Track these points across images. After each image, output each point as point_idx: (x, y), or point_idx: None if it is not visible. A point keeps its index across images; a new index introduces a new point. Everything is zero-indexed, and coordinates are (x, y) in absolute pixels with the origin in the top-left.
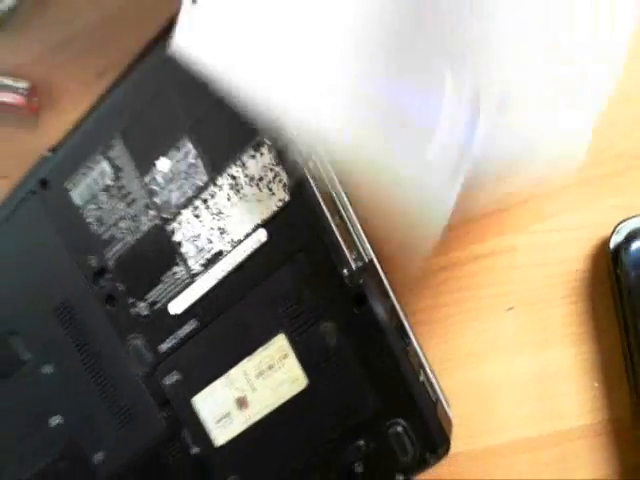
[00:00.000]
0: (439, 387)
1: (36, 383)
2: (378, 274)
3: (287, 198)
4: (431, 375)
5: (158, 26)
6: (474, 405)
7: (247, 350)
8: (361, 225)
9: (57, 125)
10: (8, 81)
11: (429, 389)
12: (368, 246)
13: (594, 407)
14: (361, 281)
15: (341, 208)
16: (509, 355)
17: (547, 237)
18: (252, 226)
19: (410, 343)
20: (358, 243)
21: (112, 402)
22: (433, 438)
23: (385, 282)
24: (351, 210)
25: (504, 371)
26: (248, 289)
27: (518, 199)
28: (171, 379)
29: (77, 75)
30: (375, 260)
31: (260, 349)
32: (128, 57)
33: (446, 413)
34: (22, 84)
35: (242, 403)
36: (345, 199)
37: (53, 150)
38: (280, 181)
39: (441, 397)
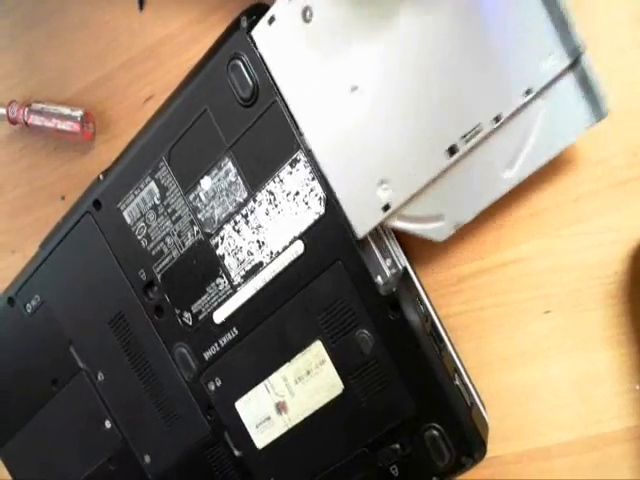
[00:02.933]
0: (475, 391)
1: (91, 389)
2: (412, 281)
3: (322, 211)
4: (466, 379)
5: (199, 53)
6: (511, 408)
7: (286, 356)
8: (394, 233)
9: (110, 149)
10: (65, 110)
11: (464, 393)
12: (402, 253)
13: (634, 410)
14: (395, 288)
15: None
16: (546, 358)
17: (583, 239)
18: (290, 238)
19: (445, 347)
20: (392, 251)
21: (160, 407)
22: (469, 442)
23: (419, 288)
24: None
25: (541, 374)
26: (286, 298)
27: (552, 202)
28: (215, 384)
29: (127, 102)
30: (409, 267)
31: (298, 355)
32: (172, 84)
33: (482, 417)
34: (77, 112)
35: (281, 407)
36: None
37: (105, 173)
38: (316, 195)
39: (477, 401)
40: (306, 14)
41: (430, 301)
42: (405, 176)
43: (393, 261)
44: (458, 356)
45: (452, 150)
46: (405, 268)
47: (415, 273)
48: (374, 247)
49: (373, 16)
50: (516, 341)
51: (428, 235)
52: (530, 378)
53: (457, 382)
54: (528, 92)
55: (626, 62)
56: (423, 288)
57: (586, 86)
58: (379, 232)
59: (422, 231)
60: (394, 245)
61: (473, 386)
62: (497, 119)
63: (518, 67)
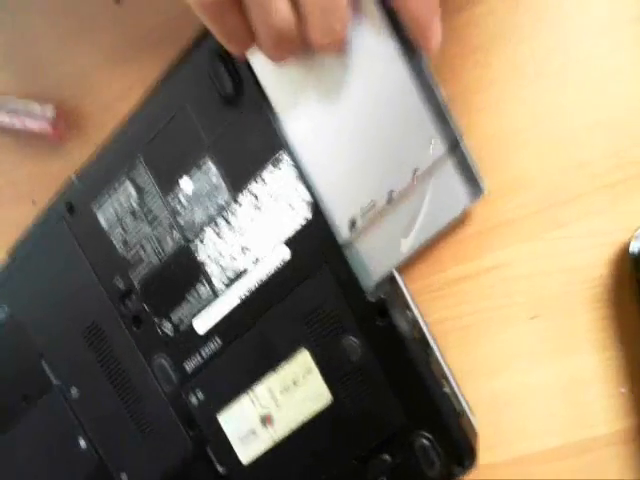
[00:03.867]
0: (463, 398)
1: (64, 406)
2: (399, 286)
3: (309, 215)
4: (455, 386)
5: (178, 49)
6: (499, 415)
7: (271, 366)
8: None
9: (83, 149)
10: (34, 106)
11: (453, 400)
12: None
13: (621, 413)
14: (383, 294)
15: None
16: (533, 364)
17: (567, 243)
18: (275, 244)
19: (432, 354)
20: (378, 257)
21: (138, 422)
22: (459, 450)
23: (406, 294)
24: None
25: (528, 380)
26: (271, 306)
27: (536, 207)
28: (196, 397)
29: (102, 97)
30: (395, 272)
31: (284, 365)
32: (149, 81)
33: (471, 424)
34: (48, 110)
35: (267, 420)
36: None
37: (78, 175)
38: (301, 198)
39: (466, 408)
40: None
41: (417, 306)
42: None
43: (378, 268)
44: (446, 362)
45: (353, 223)
46: (391, 273)
47: (401, 278)
48: (361, 252)
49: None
50: (501, 347)
51: None
52: (516, 384)
53: (446, 389)
54: (415, 172)
55: (611, 65)
56: (410, 293)
57: (465, 169)
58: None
59: None
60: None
61: (461, 393)
62: (390, 195)
63: (407, 150)
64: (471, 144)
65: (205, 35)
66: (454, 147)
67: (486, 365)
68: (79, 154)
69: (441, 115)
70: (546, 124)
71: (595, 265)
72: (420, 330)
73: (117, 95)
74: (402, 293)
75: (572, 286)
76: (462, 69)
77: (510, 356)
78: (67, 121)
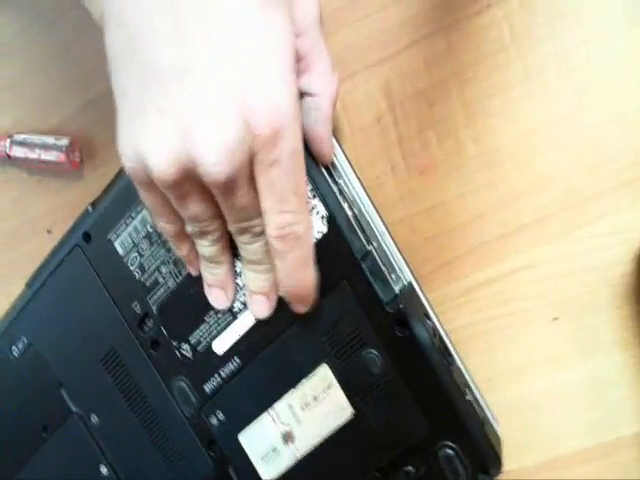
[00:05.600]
0: (486, 405)
1: (84, 433)
2: (417, 295)
3: (325, 230)
4: (477, 393)
5: None
6: (524, 419)
7: (291, 383)
8: (397, 247)
9: (98, 178)
10: (50, 139)
11: (477, 408)
12: (406, 268)
13: None
14: (402, 305)
15: (377, 232)
16: (557, 366)
17: (588, 243)
18: None
19: (454, 362)
20: (396, 266)
21: (159, 445)
22: (484, 458)
23: (425, 302)
24: (387, 233)
25: (552, 382)
26: (290, 322)
27: (557, 207)
28: (217, 418)
29: (115, 127)
30: (414, 281)
31: (304, 381)
32: None
33: (495, 431)
34: (63, 141)
35: (288, 437)
36: (380, 223)
37: (94, 204)
38: (317, 213)
39: (489, 415)
40: None
41: (436, 315)
42: None
43: (397, 276)
44: (467, 370)
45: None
46: (410, 283)
47: (420, 287)
48: (379, 263)
49: None
50: (525, 350)
51: None
52: (541, 387)
53: (469, 397)
54: None
55: (631, 63)
56: (429, 302)
57: None
58: (382, 247)
59: None
60: (398, 259)
61: (484, 400)
62: None
63: None
64: (492, 146)
65: None
66: None
67: (510, 370)
68: (95, 184)
69: None
70: (567, 123)
71: (617, 263)
72: (441, 339)
73: None
74: (421, 302)
75: (593, 286)
76: (483, 72)
77: (534, 360)
78: (82, 151)
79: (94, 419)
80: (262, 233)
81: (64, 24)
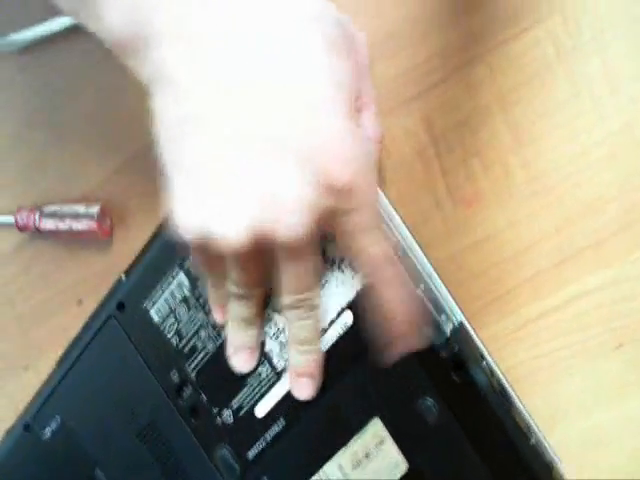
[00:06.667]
0: (549, 445)
1: None
2: (470, 335)
3: None
4: (540, 435)
5: None
6: (590, 457)
7: (340, 442)
8: (446, 287)
9: (129, 245)
10: (80, 208)
11: (542, 452)
12: (456, 308)
13: None
14: (456, 347)
15: (423, 272)
16: (623, 397)
17: None
18: (337, 310)
19: (514, 404)
20: (446, 307)
21: None
22: None
23: (478, 342)
24: (434, 272)
25: (620, 415)
26: (337, 377)
27: (613, 229)
28: None
29: (146, 192)
30: (465, 321)
31: (354, 438)
32: None
33: (560, 473)
34: (94, 209)
35: None
36: (426, 262)
37: (127, 272)
38: None
39: (554, 456)
40: None
41: (490, 354)
42: None
43: (447, 316)
44: (527, 411)
45: None
46: (461, 323)
47: (471, 326)
48: (430, 305)
49: None
50: (589, 383)
51: None
52: (608, 420)
53: (533, 441)
54: None
55: None
56: (482, 341)
57: None
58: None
59: None
60: (448, 300)
61: (547, 441)
62: None
63: None
64: (542, 170)
65: None
66: None
67: (574, 405)
68: (126, 252)
69: None
70: (620, 138)
71: None
72: (498, 380)
73: (161, 190)
74: (475, 343)
75: None
76: (529, 93)
77: (599, 392)
78: (113, 218)
79: None
80: (317, 307)
81: (90, 88)
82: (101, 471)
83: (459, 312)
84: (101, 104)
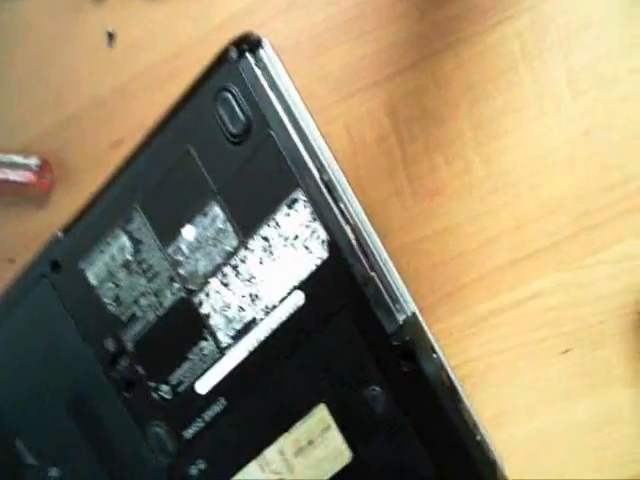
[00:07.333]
0: (492, 445)
1: None
2: (422, 327)
3: (326, 255)
4: (484, 432)
5: (175, 93)
6: (531, 458)
7: (283, 427)
8: (400, 275)
9: (69, 202)
10: (18, 158)
11: (486, 450)
12: (409, 298)
13: None
14: (408, 337)
15: (379, 259)
16: (567, 402)
17: (601, 270)
18: (288, 289)
19: (461, 400)
20: (399, 295)
21: None
22: None
23: (430, 335)
24: (389, 260)
25: (563, 419)
26: (283, 359)
27: (569, 232)
28: (197, 468)
29: (90, 148)
30: (418, 312)
31: (298, 424)
32: (141, 129)
33: (503, 474)
34: (33, 160)
35: None
36: (383, 250)
37: (65, 230)
38: (318, 238)
39: (497, 456)
40: None
41: (441, 349)
42: None
43: (401, 306)
44: (474, 407)
45: None
46: (414, 313)
47: (423, 318)
48: (384, 292)
49: None
50: (535, 385)
51: None
52: (551, 424)
53: (479, 438)
54: None
55: None
56: (433, 335)
57: None
58: (385, 276)
59: None
60: (401, 288)
61: (490, 440)
62: None
63: None
64: (503, 168)
65: (210, 71)
66: None
67: (519, 406)
68: (65, 209)
69: None
70: (579, 144)
71: (629, 291)
72: (448, 374)
73: (108, 144)
74: (427, 335)
75: (605, 315)
76: (494, 90)
77: (544, 395)
78: (53, 173)
79: (54, 473)
80: None
81: (38, 36)
82: (22, 443)
83: (412, 303)
84: (48, 54)
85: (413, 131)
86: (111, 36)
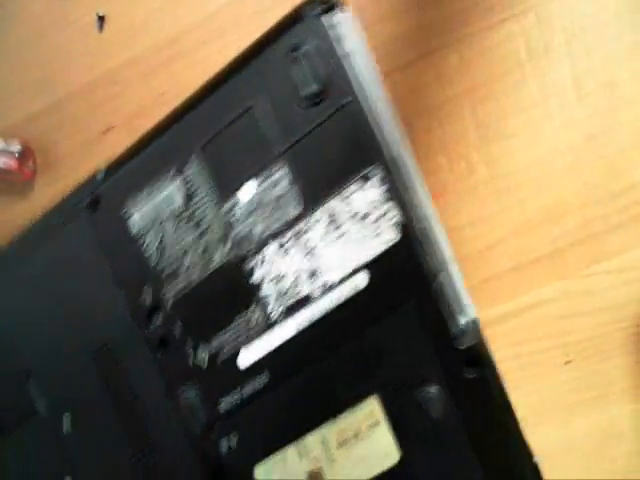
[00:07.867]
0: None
1: (51, 437)
2: (483, 335)
3: (397, 238)
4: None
5: (169, 79)
6: None
7: (330, 413)
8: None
9: (54, 190)
10: None
11: (538, 473)
12: (471, 302)
13: None
14: (475, 341)
15: (447, 255)
16: (568, 415)
17: (605, 279)
18: (351, 269)
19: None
20: (463, 298)
21: (149, 469)
22: None
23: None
24: (455, 263)
25: (563, 434)
26: (336, 343)
27: (573, 239)
28: (229, 443)
29: (78, 135)
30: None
31: (345, 413)
32: (137, 113)
33: None
34: (14, 146)
35: (316, 478)
36: (451, 252)
37: (109, 168)
38: (391, 219)
39: None
40: None
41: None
42: None
43: (465, 309)
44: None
45: None
46: (477, 319)
47: None
48: (459, 289)
49: None
50: (535, 398)
51: None
52: (551, 438)
53: (536, 459)
54: None
55: None
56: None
57: None
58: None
59: None
60: (465, 290)
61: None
62: None
63: None
64: (506, 170)
65: (282, 29)
66: None
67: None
68: (49, 198)
69: None
70: (585, 147)
71: (634, 301)
72: (503, 386)
73: (99, 132)
74: (487, 342)
75: (608, 326)
76: (498, 90)
77: (544, 408)
78: (36, 161)
79: (66, 422)
80: None
81: (26, 18)
82: (35, 384)
83: (473, 307)
84: (37, 35)
85: (415, 129)
86: (102, 19)
